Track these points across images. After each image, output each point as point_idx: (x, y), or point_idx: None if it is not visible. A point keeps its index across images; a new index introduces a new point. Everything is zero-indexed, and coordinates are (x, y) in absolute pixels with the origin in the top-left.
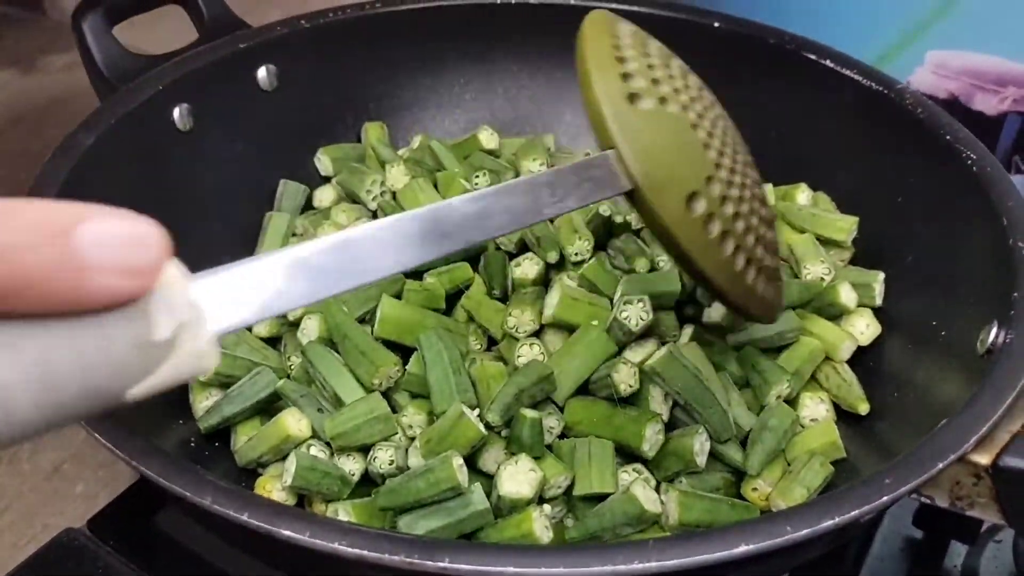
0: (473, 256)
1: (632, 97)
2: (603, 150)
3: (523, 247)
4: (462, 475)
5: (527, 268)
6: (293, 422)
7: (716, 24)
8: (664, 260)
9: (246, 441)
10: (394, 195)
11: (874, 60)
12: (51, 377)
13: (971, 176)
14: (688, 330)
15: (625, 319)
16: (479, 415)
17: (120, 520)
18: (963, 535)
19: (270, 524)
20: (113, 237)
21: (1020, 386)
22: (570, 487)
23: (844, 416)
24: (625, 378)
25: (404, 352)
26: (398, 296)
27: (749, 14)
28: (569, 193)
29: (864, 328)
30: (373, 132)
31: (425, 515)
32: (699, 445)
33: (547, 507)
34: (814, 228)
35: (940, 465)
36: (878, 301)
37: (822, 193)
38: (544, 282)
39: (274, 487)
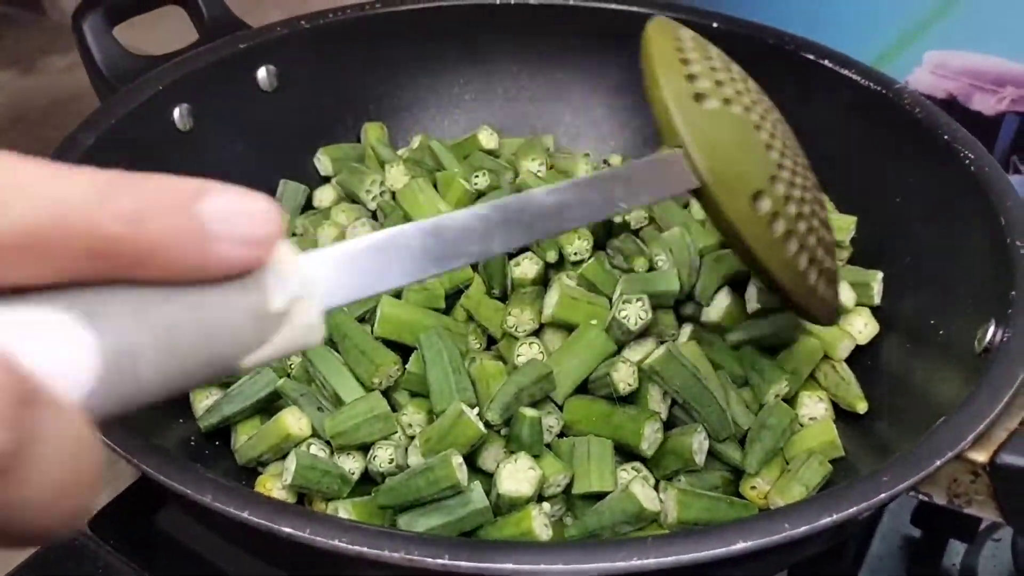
0: None
1: (698, 97)
2: (670, 148)
3: (522, 247)
4: (461, 474)
5: (526, 267)
6: (293, 421)
7: (715, 24)
8: (663, 259)
9: (246, 440)
10: (393, 195)
11: (873, 60)
12: (175, 342)
13: (969, 176)
14: (687, 329)
15: (624, 318)
16: (479, 414)
17: (121, 519)
18: (962, 534)
19: (270, 521)
20: (234, 209)
21: (1017, 384)
22: (569, 485)
23: (842, 415)
24: (624, 377)
25: (404, 351)
26: (398, 295)
27: (748, 15)
28: (640, 188)
29: (862, 327)
30: (373, 132)
31: (425, 513)
32: (697, 444)
33: (546, 505)
34: None
35: (938, 463)
36: (876, 300)
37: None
38: (543, 281)
39: (274, 486)
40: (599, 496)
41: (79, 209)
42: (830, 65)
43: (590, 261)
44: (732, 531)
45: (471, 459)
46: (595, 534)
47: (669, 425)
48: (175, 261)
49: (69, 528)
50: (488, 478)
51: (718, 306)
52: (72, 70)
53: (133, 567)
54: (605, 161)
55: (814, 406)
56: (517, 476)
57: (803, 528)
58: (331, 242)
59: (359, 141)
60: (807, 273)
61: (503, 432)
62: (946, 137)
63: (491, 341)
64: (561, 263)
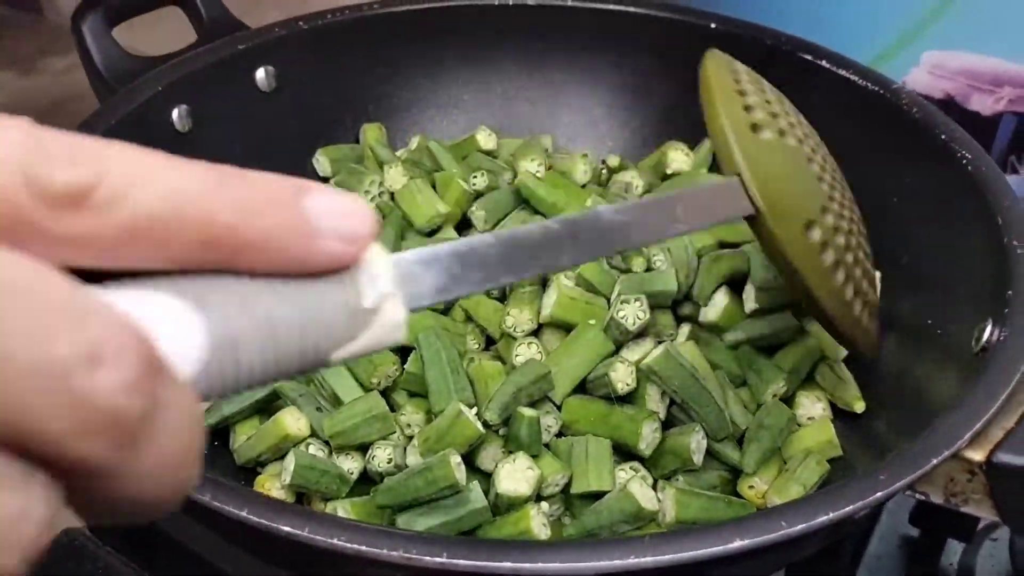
0: None
1: (754, 127)
2: (728, 175)
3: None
4: (460, 473)
5: None
6: (292, 421)
7: (713, 25)
8: (660, 260)
9: (245, 440)
10: (392, 195)
11: (871, 61)
12: (274, 332)
13: (967, 176)
14: (685, 329)
15: (622, 318)
16: (477, 414)
17: None
18: (960, 533)
19: (269, 520)
20: (335, 206)
21: (1014, 383)
22: (568, 485)
23: (840, 414)
24: (622, 377)
25: (402, 351)
26: None
27: (746, 15)
28: (699, 212)
29: None
30: (371, 133)
31: (423, 513)
32: (696, 443)
33: (545, 505)
34: None
35: (934, 461)
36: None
37: None
38: (542, 281)
39: (273, 486)
40: (597, 496)
41: (196, 199)
42: (828, 66)
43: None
44: (729, 530)
45: (469, 459)
46: (593, 533)
47: (667, 425)
48: (280, 252)
49: (172, 506)
50: (486, 478)
51: (716, 306)
52: (71, 71)
53: (133, 567)
54: (603, 161)
55: (812, 406)
56: (515, 476)
57: (800, 527)
58: None
59: (357, 142)
60: (853, 303)
61: (501, 432)
62: (943, 137)
63: (489, 341)
64: None
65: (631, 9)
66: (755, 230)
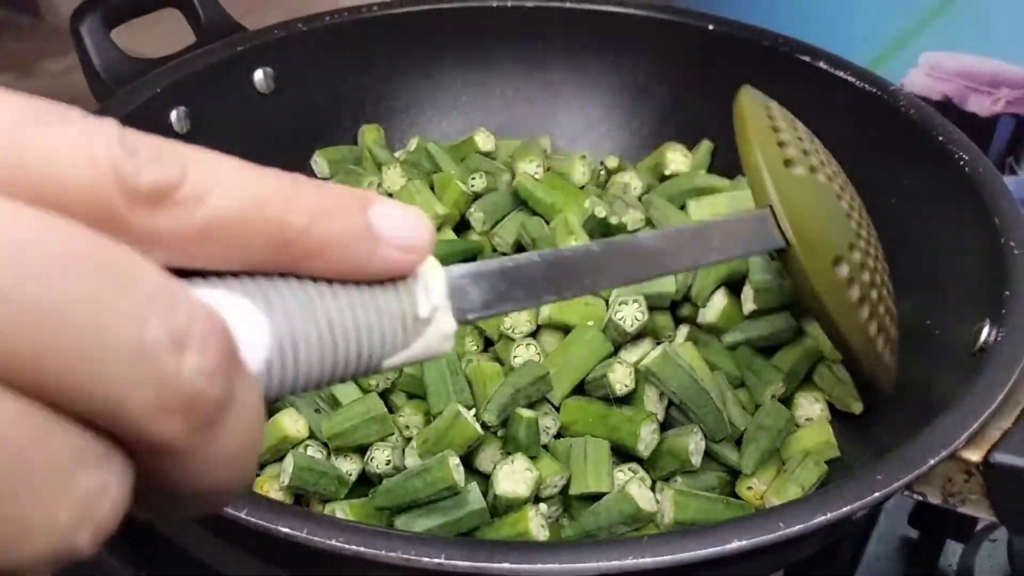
0: (470, 257)
1: (787, 163)
2: (761, 208)
3: (519, 248)
4: (458, 475)
5: None
6: (290, 423)
7: (711, 27)
8: None
9: None
10: (390, 197)
11: (868, 62)
12: (333, 337)
13: (964, 177)
14: (683, 330)
15: (620, 319)
16: (475, 415)
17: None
18: (958, 534)
19: (268, 522)
20: (398, 216)
21: (1011, 383)
22: (566, 486)
23: (839, 415)
24: (621, 378)
25: None
26: None
27: (743, 17)
28: (733, 243)
29: None
30: (370, 134)
31: (422, 514)
32: (694, 445)
33: (543, 506)
34: None
35: (931, 462)
36: None
37: None
38: None
39: (271, 487)
40: (596, 497)
41: (273, 201)
42: (825, 67)
43: None
44: (727, 530)
45: (468, 460)
46: (591, 535)
47: (665, 426)
48: (344, 258)
49: (227, 499)
50: (485, 479)
51: (714, 307)
52: (69, 73)
53: (132, 569)
54: (602, 162)
55: (810, 407)
56: (514, 477)
57: (798, 527)
58: None
59: (356, 143)
60: (876, 339)
61: (500, 433)
62: (941, 138)
63: (488, 343)
64: None
65: (629, 11)
66: (784, 263)
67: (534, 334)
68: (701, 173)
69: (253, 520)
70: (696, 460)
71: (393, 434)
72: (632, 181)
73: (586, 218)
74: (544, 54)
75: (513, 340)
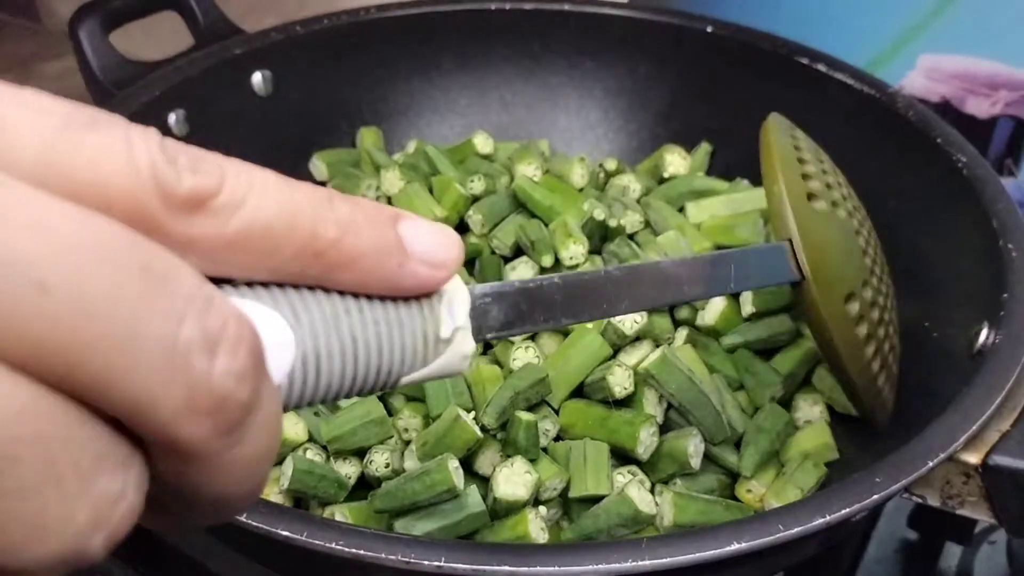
0: (469, 260)
1: (810, 196)
2: (780, 240)
3: (518, 251)
4: (458, 477)
5: (522, 272)
6: (289, 426)
7: (709, 29)
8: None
9: None
10: (389, 200)
11: (867, 64)
12: (356, 351)
13: (962, 179)
14: (682, 333)
15: (619, 322)
16: (475, 418)
17: None
18: (958, 536)
19: (268, 525)
20: (426, 232)
21: (1009, 386)
22: (565, 489)
23: (837, 417)
24: (620, 381)
25: None
26: None
27: (742, 19)
28: (750, 274)
29: None
30: (368, 137)
31: (421, 517)
32: (693, 447)
33: (543, 509)
34: None
35: (930, 464)
36: None
37: None
38: None
39: (271, 491)
40: (595, 500)
41: (307, 212)
42: (824, 69)
43: (585, 265)
44: (726, 533)
45: (467, 463)
46: (591, 537)
47: (664, 428)
48: (373, 270)
49: (241, 508)
50: (484, 482)
51: (713, 310)
52: (67, 76)
53: (132, 573)
54: (601, 165)
55: (809, 409)
56: (513, 480)
57: (796, 529)
58: None
59: (354, 146)
60: (877, 376)
61: (499, 436)
62: (939, 140)
63: (487, 345)
64: (557, 268)
65: (627, 13)
66: (797, 296)
67: (533, 337)
68: (700, 175)
69: (253, 523)
70: (695, 463)
71: (392, 437)
72: (631, 183)
73: (585, 220)
74: (542, 56)
75: (512, 343)
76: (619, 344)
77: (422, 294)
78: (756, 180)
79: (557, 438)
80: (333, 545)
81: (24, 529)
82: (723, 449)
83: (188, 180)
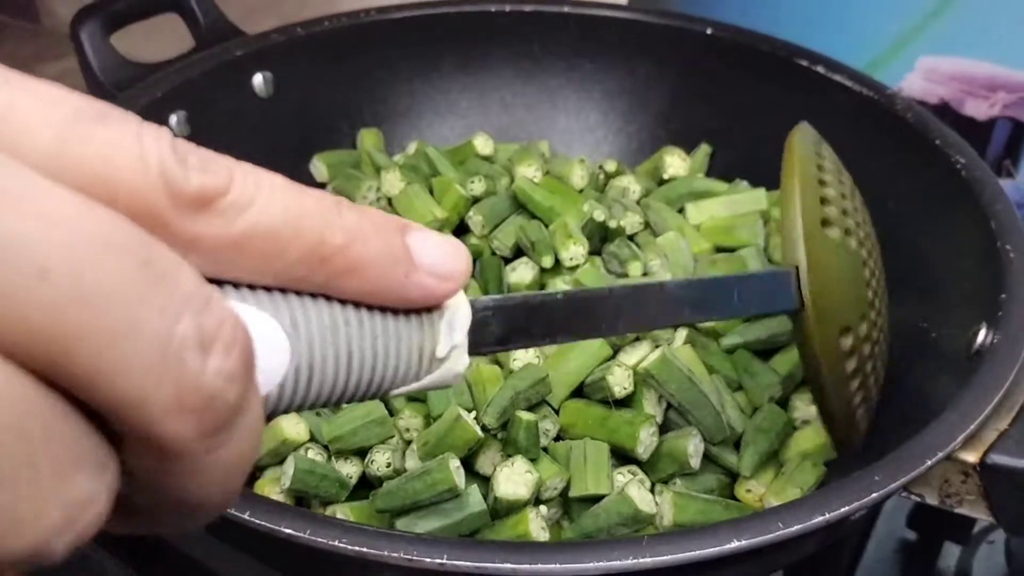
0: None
1: (824, 222)
2: (786, 266)
3: (518, 252)
4: (459, 477)
5: (522, 272)
6: (291, 425)
7: (708, 31)
8: (657, 265)
9: None
10: (390, 201)
11: (865, 66)
12: (351, 364)
13: (960, 180)
14: (681, 333)
15: None
16: (476, 418)
17: None
18: (956, 536)
19: (271, 523)
20: (435, 243)
21: (1007, 386)
22: (566, 489)
23: None
24: (619, 381)
25: None
26: None
27: (741, 21)
28: (752, 299)
29: None
30: (369, 138)
31: (422, 516)
32: (693, 447)
33: (543, 508)
34: None
35: (928, 462)
36: None
37: None
38: (540, 287)
39: (272, 490)
40: (595, 499)
41: (314, 216)
42: (823, 71)
43: (585, 266)
44: (727, 530)
45: (468, 463)
46: (591, 536)
47: (664, 428)
48: (379, 279)
49: (213, 515)
50: (485, 482)
51: None
52: (67, 77)
53: (132, 573)
54: (600, 166)
55: (807, 409)
56: (514, 479)
57: (796, 527)
58: None
59: (355, 147)
60: (856, 409)
61: (500, 436)
62: (937, 142)
63: None
64: (557, 268)
65: (627, 15)
66: (794, 322)
67: None
68: (699, 176)
69: (256, 521)
70: (695, 462)
71: (393, 437)
72: (631, 185)
73: (585, 221)
74: (542, 58)
75: None
76: (619, 344)
77: (426, 307)
78: (755, 181)
79: (557, 438)
80: (336, 543)
81: None
82: (722, 449)
83: (196, 179)
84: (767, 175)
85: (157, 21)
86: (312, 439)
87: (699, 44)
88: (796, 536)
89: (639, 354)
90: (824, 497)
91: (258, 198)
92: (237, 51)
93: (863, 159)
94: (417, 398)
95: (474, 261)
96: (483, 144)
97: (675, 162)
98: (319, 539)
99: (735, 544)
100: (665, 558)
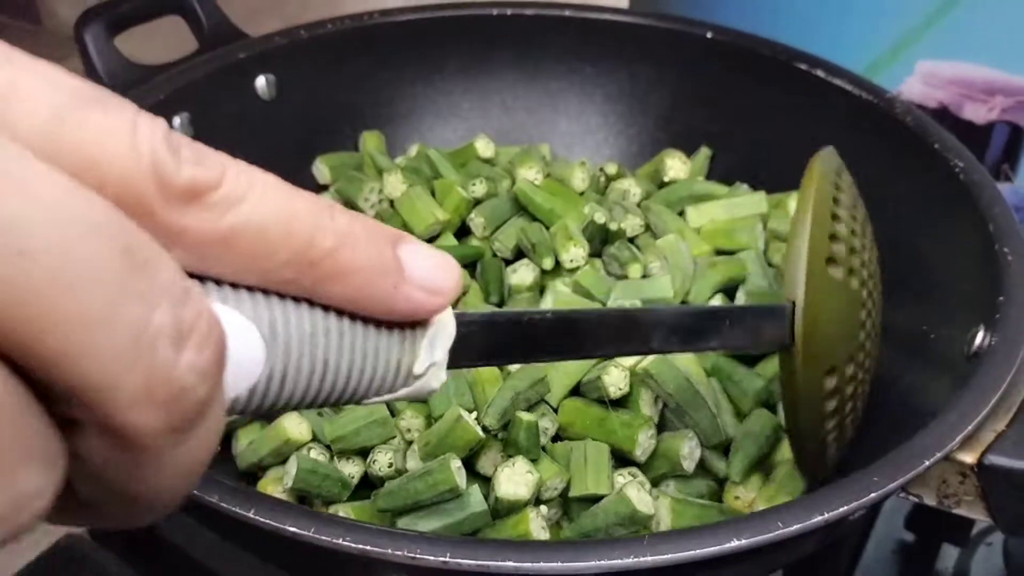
0: (470, 263)
1: (830, 260)
2: (784, 300)
3: (519, 253)
4: (460, 477)
5: (523, 274)
6: (293, 426)
7: (709, 34)
8: (656, 266)
9: (247, 445)
10: (391, 203)
11: (865, 70)
12: (327, 373)
13: (959, 184)
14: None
15: None
16: (476, 419)
17: None
18: (955, 538)
19: (276, 521)
20: (427, 256)
21: (1004, 387)
22: (566, 489)
23: None
24: (615, 381)
25: None
26: None
27: (741, 25)
28: (743, 333)
29: None
30: (371, 141)
31: (423, 516)
32: (688, 449)
33: (544, 508)
34: None
35: (926, 463)
36: None
37: None
38: (540, 288)
39: (275, 490)
40: (594, 500)
41: (306, 218)
42: (822, 75)
43: (585, 268)
44: (727, 529)
45: (469, 463)
46: (589, 536)
47: (659, 428)
48: (366, 287)
49: (159, 515)
50: (486, 482)
51: None
52: None
53: (134, 574)
54: (601, 169)
55: None
56: (515, 480)
57: (796, 527)
58: None
59: (357, 149)
60: (828, 447)
61: (500, 436)
62: (936, 145)
63: None
64: (558, 270)
65: (627, 19)
66: (781, 357)
67: None
68: (699, 179)
69: (261, 519)
70: (689, 465)
71: (395, 437)
72: (631, 187)
73: (585, 223)
74: (544, 61)
75: None
76: None
77: (411, 322)
78: (755, 184)
79: (557, 437)
80: (340, 541)
81: None
82: (712, 454)
83: (187, 171)
84: (767, 178)
85: (160, 23)
86: (314, 439)
87: (699, 48)
88: (795, 536)
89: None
90: (823, 497)
91: (250, 195)
92: (240, 53)
93: (862, 162)
94: (418, 398)
95: (475, 263)
96: (484, 147)
97: (676, 165)
98: (323, 537)
99: (735, 543)
100: (666, 557)
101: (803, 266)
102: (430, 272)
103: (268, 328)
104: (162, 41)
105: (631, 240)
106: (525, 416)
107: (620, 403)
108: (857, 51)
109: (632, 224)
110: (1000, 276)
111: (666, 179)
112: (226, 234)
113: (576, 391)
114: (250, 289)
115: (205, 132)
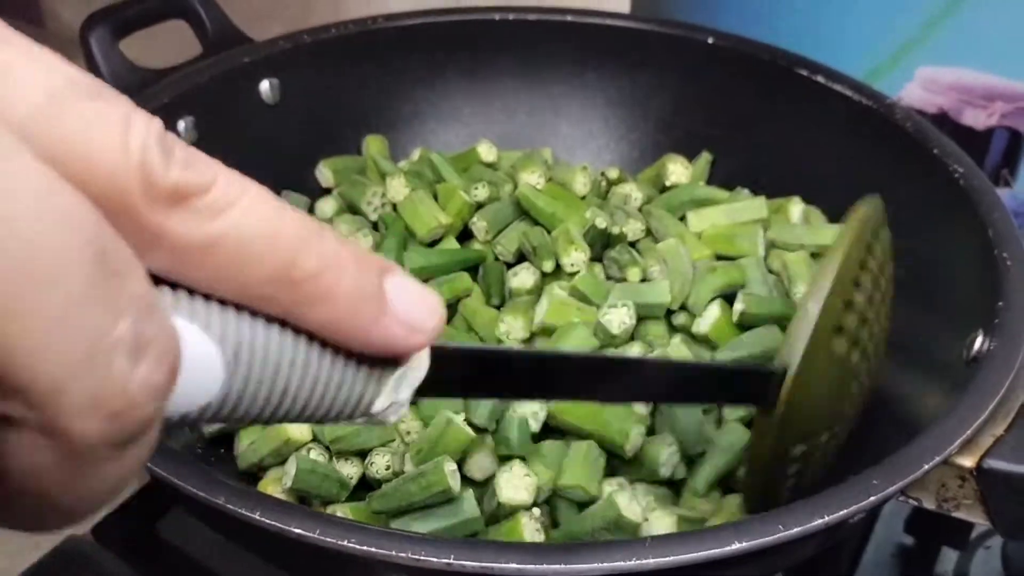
0: (472, 266)
1: (837, 329)
2: (777, 358)
3: (520, 257)
4: (454, 480)
5: (524, 277)
6: (294, 426)
7: (710, 40)
8: (655, 270)
9: (248, 445)
10: (394, 206)
11: (865, 76)
12: (283, 402)
13: (959, 189)
14: (676, 340)
15: (607, 322)
16: (465, 419)
17: (123, 527)
18: (954, 541)
19: (281, 522)
20: (413, 292)
21: (1003, 392)
22: (553, 494)
23: None
24: None
25: None
26: None
27: (742, 30)
28: (729, 391)
29: None
30: (374, 145)
31: (417, 518)
32: (666, 456)
33: (536, 511)
34: (807, 241)
35: (926, 467)
36: None
37: (814, 208)
38: (540, 291)
39: (275, 490)
40: (582, 504)
41: (292, 235)
42: (823, 81)
43: (583, 272)
44: (727, 532)
45: (461, 468)
46: (576, 539)
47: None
48: (345, 316)
49: (70, 523)
50: (478, 487)
51: (709, 318)
52: None
53: (133, 573)
54: (603, 174)
55: None
56: (515, 483)
57: (796, 529)
58: None
59: (360, 153)
60: (783, 492)
61: (491, 429)
62: (936, 151)
63: None
64: (558, 273)
65: (629, 24)
66: (756, 414)
67: (528, 341)
68: (701, 184)
69: (267, 520)
70: (665, 472)
71: (394, 440)
72: (633, 192)
73: (587, 228)
74: (546, 67)
75: (503, 340)
76: (605, 343)
77: (385, 356)
78: (756, 189)
79: (548, 427)
80: (344, 543)
81: None
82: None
83: (176, 173)
84: (768, 183)
85: (165, 27)
86: (314, 439)
87: (700, 53)
88: (796, 538)
89: (632, 353)
90: (823, 500)
91: (237, 205)
92: (244, 58)
93: (862, 168)
94: (416, 401)
95: (477, 266)
96: (487, 151)
97: (677, 170)
98: (328, 539)
99: (736, 546)
100: (668, 559)
101: (807, 336)
102: (414, 307)
103: (232, 353)
104: (166, 45)
105: (632, 244)
106: (517, 413)
107: None
108: (857, 57)
109: (633, 228)
110: (999, 281)
111: (667, 184)
112: (208, 241)
113: None
114: (223, 303)
115: (209, 136)
